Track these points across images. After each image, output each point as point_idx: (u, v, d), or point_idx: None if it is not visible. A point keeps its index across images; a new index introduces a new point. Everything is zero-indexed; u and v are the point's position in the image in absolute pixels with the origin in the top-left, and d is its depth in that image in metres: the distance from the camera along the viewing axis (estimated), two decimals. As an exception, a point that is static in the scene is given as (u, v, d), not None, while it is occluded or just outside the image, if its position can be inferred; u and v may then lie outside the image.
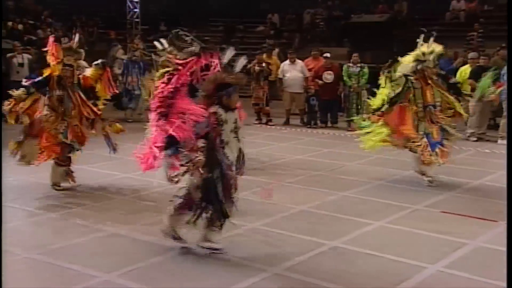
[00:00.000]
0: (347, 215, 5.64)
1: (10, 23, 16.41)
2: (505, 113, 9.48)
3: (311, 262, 4.44)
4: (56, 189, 6.33)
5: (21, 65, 11.65)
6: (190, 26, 19.96)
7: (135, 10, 17.66)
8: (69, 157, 6.40)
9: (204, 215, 4.44)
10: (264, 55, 12.33)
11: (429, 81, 6.72)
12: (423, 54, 6.69)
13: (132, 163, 4.67)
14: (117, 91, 7.10)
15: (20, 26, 16.36)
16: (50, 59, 6.17)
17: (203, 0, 20.15)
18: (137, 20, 17.63)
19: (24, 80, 6.41)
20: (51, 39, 6.28)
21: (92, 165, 7.45)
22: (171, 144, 4.21)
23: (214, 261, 4.43)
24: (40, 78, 6.24)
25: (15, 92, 6.12)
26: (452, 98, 6.76)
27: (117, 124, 6.61)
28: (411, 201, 6.16)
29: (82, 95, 6.28)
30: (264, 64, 11.72)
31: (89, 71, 6.43)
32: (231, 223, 4.54)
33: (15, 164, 6.19)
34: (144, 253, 4.54)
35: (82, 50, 6.47)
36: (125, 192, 6.32)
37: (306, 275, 4.17)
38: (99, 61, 6.54)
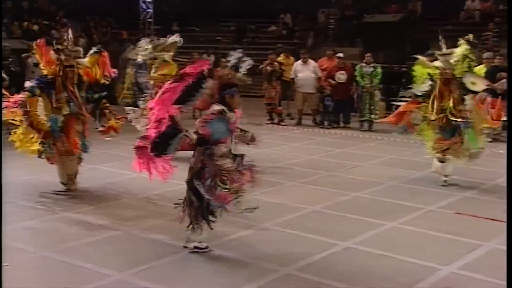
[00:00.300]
0: (360, 216, 5.61)
1: (25, 24, 16.60)
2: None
3: (323, 262, 4.42)
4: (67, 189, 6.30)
5: (36, 65, 11.74)
6: (202, 26, 20.08)
7: (148, 10, 17.75)
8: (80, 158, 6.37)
9: (188, 212, 4.45)
10: (282, 55, 12.32)
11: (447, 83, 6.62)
12: (443, 54, 6.60)
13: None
14: (114, 75, 6.84)
15: (35, 27, 16.53)
16: (45, 63, 6.05)
17: (215, 0, 20.19)
18: (150, 20, 17.72)
19: (28, 82, 6.18)
20: (41, 42, 6.12)
21: (105, 164, 7.49)
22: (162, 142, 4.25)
23: (225, 261, 4.43)
24: (44, 79, 6.10)
25: (20, 95, 5.96)
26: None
27: (117, 122, 6.35)
28: (424, 202, 6.11)
29: (78, 95, 6.16)
30: (276, 64, 11.71)
31: (85, 61, 6.26)
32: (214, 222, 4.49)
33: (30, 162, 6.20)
34: (156, 253, 4.56)
35: (79, 48, 6.33)
36: (138, 192, 6.35)
37: (318, 276, 4.15)
38: (95, 48, 6.44)
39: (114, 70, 6.62)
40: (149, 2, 17.71)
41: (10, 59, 11.80)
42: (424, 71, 6.81)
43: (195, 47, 15.93)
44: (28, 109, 5.95)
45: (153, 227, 5.16)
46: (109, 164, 7.50)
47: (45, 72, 6.15)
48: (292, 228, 5.21)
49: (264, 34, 19.44)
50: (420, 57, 6.97)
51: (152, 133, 4.29)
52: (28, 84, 6.02)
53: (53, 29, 16.37)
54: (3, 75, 10.69)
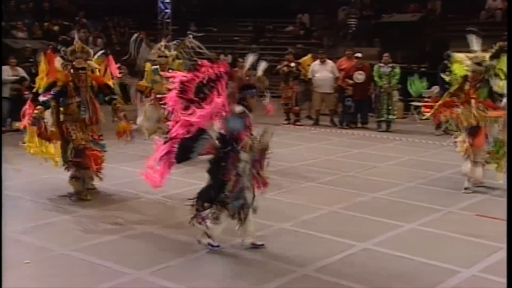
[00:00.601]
0: (378, 217, 5.58)
1: (46, 24, 16.81)
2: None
3: (341, 263, 4.41)
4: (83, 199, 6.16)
5: None
6: (220, 26, 20.13)
7: (166, 10, 17.84)
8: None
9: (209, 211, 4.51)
10: (309, 56, 12.30)
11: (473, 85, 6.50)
12: (474, 57, 6.47)
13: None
14: (119, 75, 6.83)
15: (55, 27, 16.73)
16: (50, 72, 5.97)
17: (233, 0, 20.23)
18: (168, 20, 17.82)
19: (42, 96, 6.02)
20: (48, 51, 6.03)
21: (123, 164, 7.56)
22: (183, 152, 4.32)
23: (242, 261, 4.44)
24: (56, 89, 5.97)
25: (35, 112, 5.85)
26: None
27: (123, 123, 6.19)
28: (444, 204, 6.04)
29: (94, 99, 6.13)
30: (293, 64, 11.70)
31: (92, 64, 6.15)
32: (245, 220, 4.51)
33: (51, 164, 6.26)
34: (174, 252, 4.58)
35: (89, 50, 6.22)
36: (156, 191, 6.38)
37: (336, 277, 4.14)
38: (100, 52, 6.45)
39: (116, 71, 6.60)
40: (167, 2, 17.81)
41: (31, 60, 11.94)
42: (461, 69, 6.64)
43: (213, 47, 15.97)
44: (42, 125, 5.88)
45: (171, 226, 5.19)
46: (128, 163, 7.56)
47: (41, 83, 6.03)
48: (310, 228, 5.20)
49: (282, 34, 19.42)
50: (457, 54, 6.75)
51: (180, 135, 4.31)
52: (42, 98, 5.92)
53: (72, 30, 16.57)
54: (24, 75, 10.84)
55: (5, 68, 10.64)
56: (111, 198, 6.20)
